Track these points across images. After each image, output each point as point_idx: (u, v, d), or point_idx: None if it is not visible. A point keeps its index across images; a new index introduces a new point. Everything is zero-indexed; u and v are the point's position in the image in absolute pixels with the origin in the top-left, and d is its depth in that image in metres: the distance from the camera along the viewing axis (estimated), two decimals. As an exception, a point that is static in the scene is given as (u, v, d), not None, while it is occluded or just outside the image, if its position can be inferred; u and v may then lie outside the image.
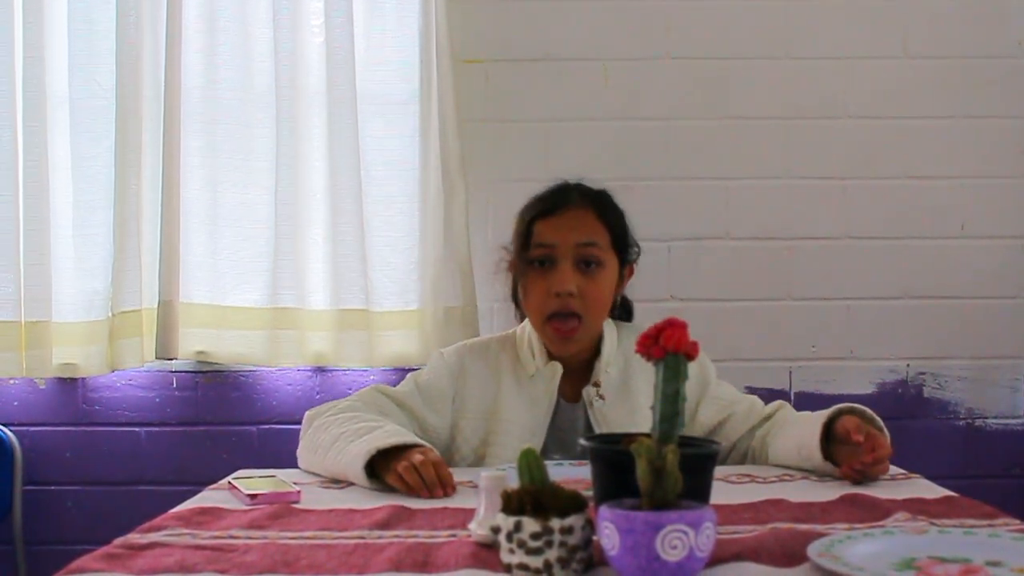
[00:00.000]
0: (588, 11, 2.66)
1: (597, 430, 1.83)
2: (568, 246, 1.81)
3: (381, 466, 1.56)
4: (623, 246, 1.89)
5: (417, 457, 1.53)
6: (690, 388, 1.83)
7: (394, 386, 1.91)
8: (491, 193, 2.63)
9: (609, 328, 1.92)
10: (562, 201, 1.86)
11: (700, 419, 1.89)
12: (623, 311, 2.01)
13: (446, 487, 1.51)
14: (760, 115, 2.67)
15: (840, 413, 1.67)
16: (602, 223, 1.85)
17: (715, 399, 1.91)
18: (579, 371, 1.90)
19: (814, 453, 1.64)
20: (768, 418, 1.88)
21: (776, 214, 2.66)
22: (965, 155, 2.68)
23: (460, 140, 2.55)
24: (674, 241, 2.63)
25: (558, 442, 1.86)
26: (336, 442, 1.63)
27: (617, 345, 1.91)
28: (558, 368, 1.87)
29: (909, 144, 2.67)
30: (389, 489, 1.53)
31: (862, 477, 1.58)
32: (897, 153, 2.67)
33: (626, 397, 1.86)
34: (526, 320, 1.92)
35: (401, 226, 2.58)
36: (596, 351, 1.90)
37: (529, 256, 1.84)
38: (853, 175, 2.67)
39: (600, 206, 1.86)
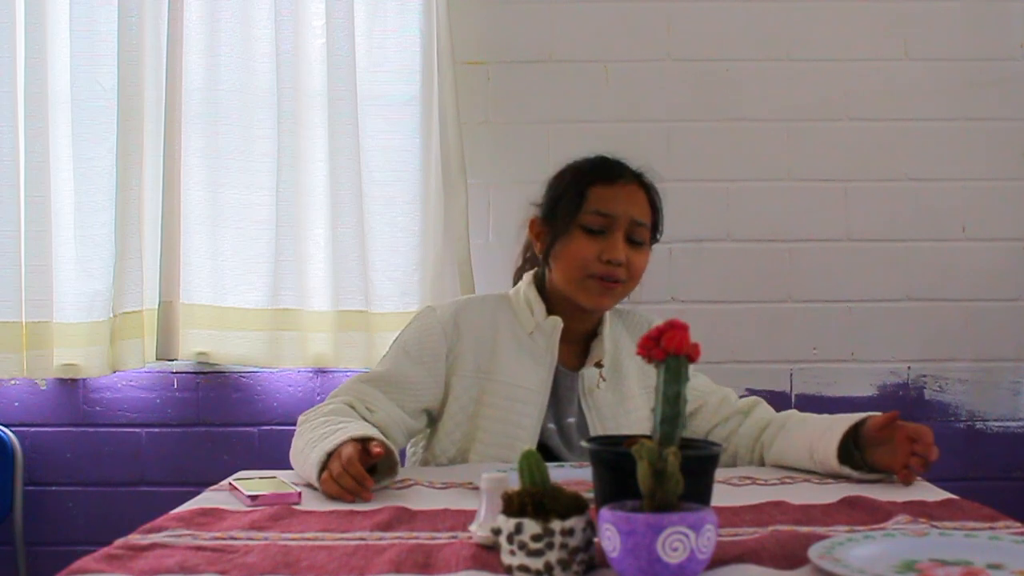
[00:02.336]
0: (589, 13, 2.66)
1: (586, 412, 1.83)
2: (625, 219, 1.81)
3: None
4: (657, 229, 1.90)
5: (335, 468, 1.49)
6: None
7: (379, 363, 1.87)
8: (492, 195, 2.63)
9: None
10: (620, 172, 1.85)
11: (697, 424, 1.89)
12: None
13: (361, 492, 1.46)
14: (761, 117, 2.67)
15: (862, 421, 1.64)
16: (650, 203, 1.87)
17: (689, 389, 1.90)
18: (577, 343, 1.89)
19: (829, 459, 1.62)
20: (742, 413, 1.88)
21: (777, 216, 2.67)
22: (966, 157, 2.68)
23: (461, 141, 2.55)
24: (675, 243, 2.63)
25: (554, 410, 1.84)
26: (304, 450, 1.62)
27: (611, 327, 1.90)
28: (558, 322, 1.84)
29: (910, 146, 2.68)
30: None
31: (923, 469, 1.58)
32: (898, 155, 2.68)
33: (618, 382, 1.87)
34: (521, 282, 1.91)
35: (402, 227, 2.58)
36: (592, 330, 1.89)
37: (583, 221, 1.81)
38: (854, 177, 2.67)
39: (648, 187, 1.88)
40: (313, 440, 1.60)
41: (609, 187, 1.83)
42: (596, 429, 1.82)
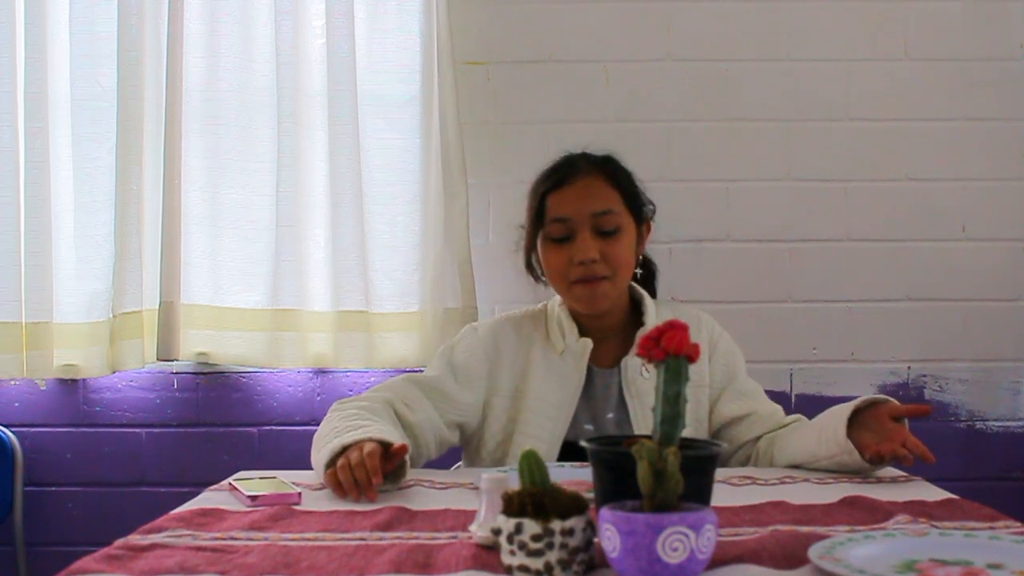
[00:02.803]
0: (589, 13, 2.66)
1: (629, 402, 1.82)
2: (584, 216, 1.79)
3: None
4: (637, 206, 1.87)
5: (354, 456, 1.49)
6: (715, 375, 1.87)
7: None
8: (492, 195, 2.63)
9: (649, 300, 1.90)
10: (571, 171, 1.83)
11: (720, 409, 1.87)
12: (645, 271, 1.98)
13: (366, 490, 1.45)
14: (761, 117, 2.67)
15: (873, 403, 1.66)
16: (613, 187, 1.84)
17: (741, 393, 1.88)
18: (615, 338, 1.87)
19: (838, 433, 1.61)
20: (783, 427, 1.85)
21: (777, 216, 2.67)
22: (966, 157, 2.68)
23: (461, 142, 2.55)
24: (675, 243, 2.63)
25: (588, 412, 1.85)
26: (327, 436, 1.62)
27: (656, 320, 1.85)
28: (588, 344, 1.85)
29: (910, 146, 2.68)
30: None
31: (892, 458, 1.58)
32: (898, 155, 2.68)
33: None
34: (555, 298, 1.90)
35: (402, 228, 2.58)
36: (633, 319, 1.88)
37: (546, 232, 1.82)
38: (854, 177, 2.67)
39: (608, 171, 1.85)
40: (338, 429, 1.61)
41: (561, 190, 1.82)
42: (639, 419, 1.80)
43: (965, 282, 2.67)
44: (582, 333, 1.87)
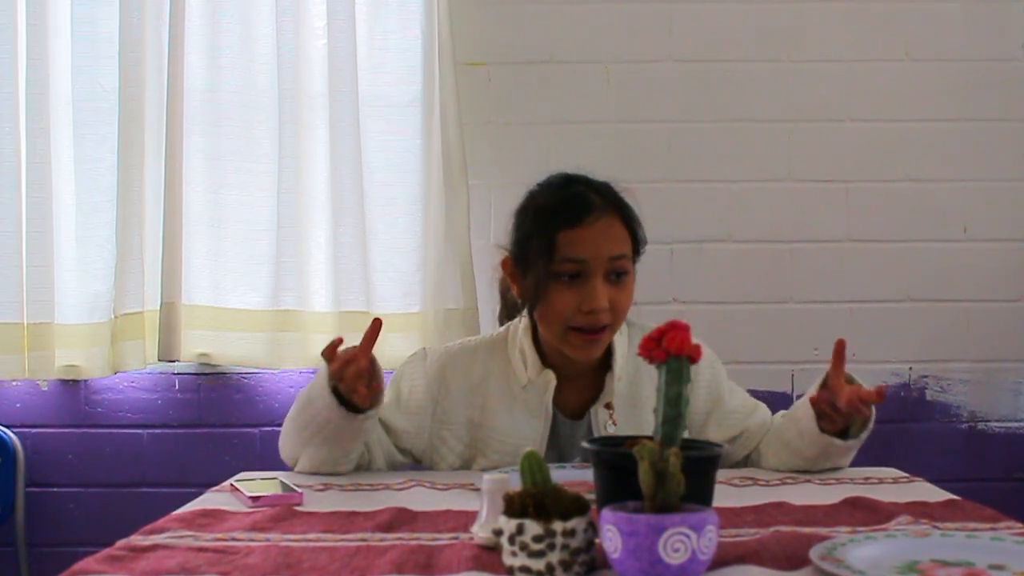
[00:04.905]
0: (590, 14, 2.66)
1: None
2: (601, 260, 1.67)
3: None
4: (639, 248, 1.77)
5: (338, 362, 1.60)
6: (699, 402, 1.80)
7: None
8: (493, 196, 2.63)
9: (619, 333, 1.78)
10: (586, 209, 1.69)
11: (710, 437, 1.77)
12: None
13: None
14: (762, 118, 2.67)
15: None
16: (627, 231, 1.73)
17: (727, 415, 1.81)
18: (581, 380, 1.77)
19: (808, 423, 1.65)
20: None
21: (778, 217, 2.67)
22: (967, 158, 2.68)
23: (462, 142, 2.55)
24: (676, 244, 2.63)
25: (555, 456, 1.77)
26: (295, 418, 1.70)
27: (628, 347, 1.78)
28: (551, 379, 1.75)
29: (911, 147, 2.68)
30: (352, 407, 1.62)
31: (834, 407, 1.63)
32: (899, 156, 2.67)
33: (635, 411, 1.76)
34: (518, 325, 1.80)
35: (403, 228, 2.58)
36: (602, 360, 1.77)
37: (557, 269, 1.67)
38: (855, 178, 2.67)
39: (623, 213, 1.73)
40: (297, 411, 1.69)
41: (577, 228, 1.68)
42: None
43: (967, 283, 2.67)
44: (545, 366, 1.76)
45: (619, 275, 1.70)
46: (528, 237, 1.73)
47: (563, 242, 1.68)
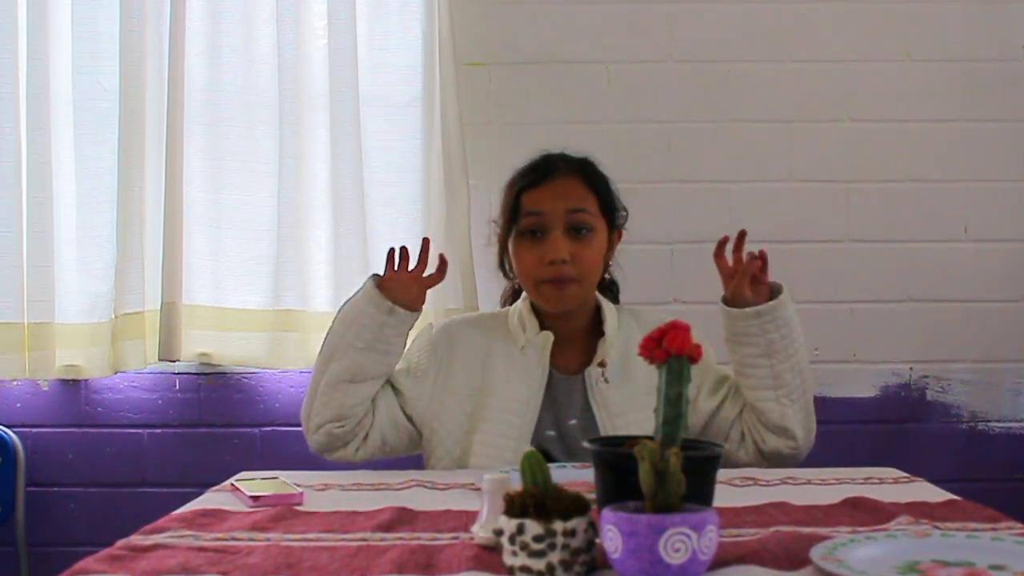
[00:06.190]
0: (591, 14, 2.66)
1: (595, 411, 1.82)
2: (558, 213, 1.82)
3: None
4: (611, 211, 1.90)
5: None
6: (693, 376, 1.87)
7: None
8: (494, 196, 2.62)
9: (609, 307, 1.92)
10: (549, 170, 1.87)
11: (701, 405, 1.86)
12: (609, 290, 2.00)
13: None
14: (763, 118, 2.67)
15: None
16: (590, 189, 1.87)
17: (715, 381, 1.90)
18: (576, 344, 1.89)
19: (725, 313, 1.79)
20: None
21: (778, 217, 2.66)
22: (968, 158, 2.68)
23: (463, 143, 2.55)
24: (676, 244, 2.63)
25: (551, 416, 1.85)
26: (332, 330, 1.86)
27: (618, 327, 1.89)
28: (549, 336, 1.86)
29: (912, 147, 2.68)
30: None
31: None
32: (900, 156, 2.67)
33: (627, 379, 1.85)
34: (518, 299, 1.94)
35: (403, 228, 2.58)
36: (595, 327, 1.90)
37: (520, 227, 1.85)
38: (856, 178, 2.67)
39: (586, 173, 1.88)
40: (337, 322, 1.87)
41: (538, 187, 1.85)
42: (606, 427, 1.81)
43: (967, 283, 2.67)
44: (543, 328, 1.88)
45: (579, 230, 1.83)
46: (503, 205, 1.92)
47: (526, 201, 1.85)
